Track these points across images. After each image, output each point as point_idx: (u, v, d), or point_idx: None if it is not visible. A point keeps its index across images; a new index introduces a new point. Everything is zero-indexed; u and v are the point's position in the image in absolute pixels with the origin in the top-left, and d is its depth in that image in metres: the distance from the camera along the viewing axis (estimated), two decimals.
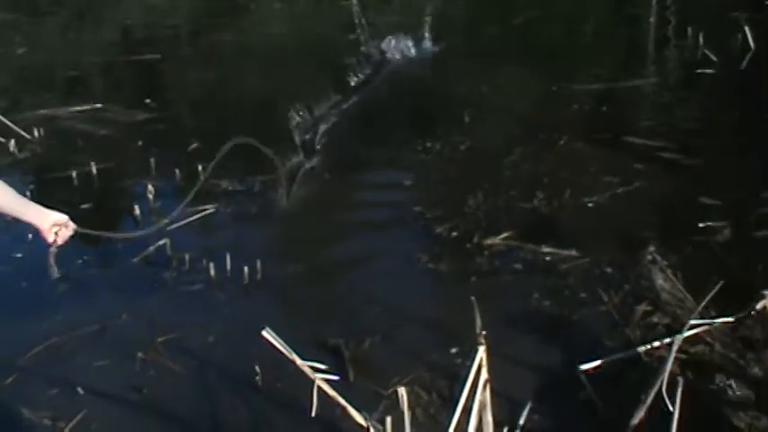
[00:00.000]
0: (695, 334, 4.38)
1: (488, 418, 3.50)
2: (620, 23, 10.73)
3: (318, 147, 7.00)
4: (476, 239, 5.60)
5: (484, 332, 3.46)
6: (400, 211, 6.09)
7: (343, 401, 3.50)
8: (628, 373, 4.23)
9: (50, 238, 3.30)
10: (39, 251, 5.67)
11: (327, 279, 5.36)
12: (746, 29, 8.83)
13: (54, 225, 3.30)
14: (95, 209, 6.43)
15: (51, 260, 3.39)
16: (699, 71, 8.40)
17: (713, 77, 8.27)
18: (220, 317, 4.97)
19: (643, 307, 4.72)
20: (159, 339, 4.74)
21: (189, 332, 4.81)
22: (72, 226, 3.37)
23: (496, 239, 5.59)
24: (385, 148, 7.12)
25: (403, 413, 3.47)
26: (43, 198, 6.35)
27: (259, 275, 5.30)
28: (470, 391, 3.45)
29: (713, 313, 4.48)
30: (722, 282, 4.47)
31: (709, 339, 4.40)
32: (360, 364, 4.41)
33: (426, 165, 6.82)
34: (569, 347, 4.47)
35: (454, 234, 5.72)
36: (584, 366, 4.21)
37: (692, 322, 4.35)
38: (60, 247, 3.34)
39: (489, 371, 3.45)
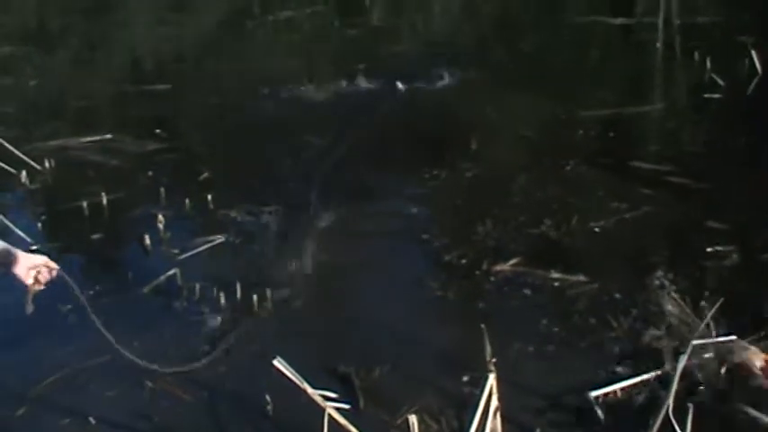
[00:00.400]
0: (703, 356, 4.40)
1: None
2: (628, 48, 10.75)
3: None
4: (484, 266, 5.62)
5: (494, 359, 3.48)
6: (408, 239, 6.09)
7: (354, 430, 3.51)
8: (638, 398, 4.23)
9: (29, 281, 3.39)
10: (53, 282, 5.75)
11: (336, 307, 5.37)
12: (753, 53, 8.85)
13: (31, 268, 3.38)
14: (106, 239, 6.47)
15: (29, 298, 3.45)
16: (706, 96, 8.42)
17: (720, 102, 8.29)
18: (230, 345, 4.98)
19: (652, 332, 4.73)
20: (169, 369, 4.75)
21: (199, 361, 4.80)
22: (53, 266, 3.45)
23: (505, 266, 5.60)
24: (393, 175, 7.14)
25: None
26: (54, 229, 6.49)
27: (269, 304, 5.32)
28: (481, 418, 3.46)
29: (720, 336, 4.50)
30: (723, 299, 4.51)
31: (718, 361, 4.41)
32: (370, 392, 4.40)
33: (434, 191, 6.83)
34: (579, 373, 4.46)
35: (463, 261, 5.73)
36: (595, 393, 4.22)
37: (695, 343, 4.36)
38: (40, 289, 3.45)
39: (499, 398, 3.46)
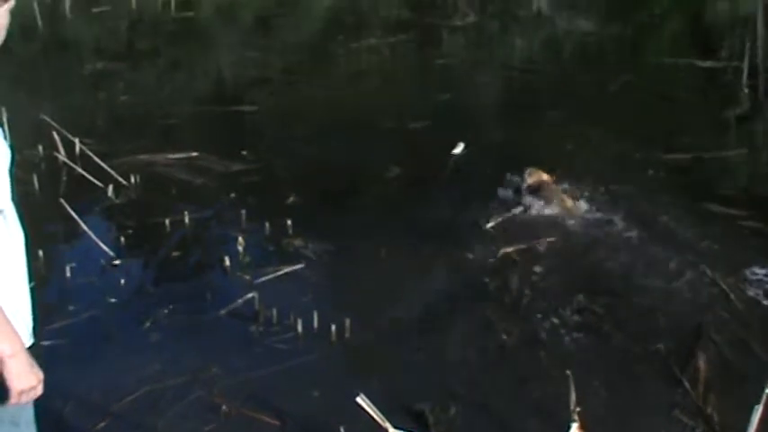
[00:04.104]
0: None
1: None
2: (712, 92, 10.60)
3: None
4: (561, 306, 5.58)
5: (578, 408, 3.45)
6: (483, 279, 6.06)
7: None
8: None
9: (14, 397, 2.56)
10: (133, 297, 5.87)
11: (413, 340, 5.36)
12: None
13: (23, 390, 2.56)
14: (186, 257, 6.55)
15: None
16: None
17: None
18: (306, 374, 5.00)
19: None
20: (245, 393, 4.79)
21: (275, 388, 4.86)
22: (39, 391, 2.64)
23: (579, 306, 5.57)
24: (468, 212, 7.07)
25: None
26: (136, 244, 6.60)
27: (347, 334, 5.33)
28: None
29: None
30: None
31: None
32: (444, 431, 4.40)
33: (503, 228, 6.77)
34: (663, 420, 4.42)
35: (537, 301, 5.69)
36: None
37: None
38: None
39: None
